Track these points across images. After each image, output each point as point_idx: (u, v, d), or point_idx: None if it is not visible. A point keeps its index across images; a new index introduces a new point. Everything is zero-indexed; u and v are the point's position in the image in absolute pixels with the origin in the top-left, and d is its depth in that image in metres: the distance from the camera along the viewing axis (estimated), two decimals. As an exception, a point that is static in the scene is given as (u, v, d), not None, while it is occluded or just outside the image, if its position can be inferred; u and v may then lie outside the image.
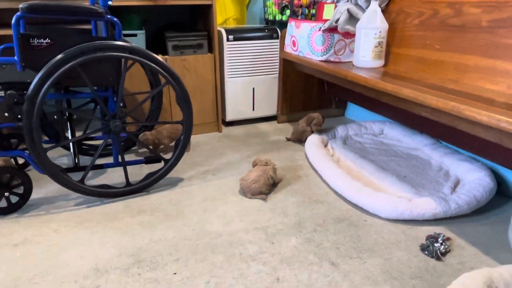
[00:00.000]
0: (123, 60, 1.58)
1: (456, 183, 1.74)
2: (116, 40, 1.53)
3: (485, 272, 0.98)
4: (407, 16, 1.92)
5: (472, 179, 1.69)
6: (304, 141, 2.28)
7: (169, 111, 2.41)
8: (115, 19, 1.52)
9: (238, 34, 2.46)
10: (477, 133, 1.32)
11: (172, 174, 1.96)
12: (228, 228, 1.51)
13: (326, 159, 1.94)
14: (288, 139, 2.42)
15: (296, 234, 1.46)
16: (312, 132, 2.31)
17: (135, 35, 2.24)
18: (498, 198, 1.71)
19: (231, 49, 2.47)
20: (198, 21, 2.60)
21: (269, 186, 1.76)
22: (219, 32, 2.45)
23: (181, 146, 1.77)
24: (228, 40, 2.44)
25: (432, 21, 1.79)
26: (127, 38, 2.16)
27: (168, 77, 1.63)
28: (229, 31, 2.45)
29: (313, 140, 2.18)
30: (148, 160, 1.84)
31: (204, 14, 2.45)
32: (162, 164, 1.81)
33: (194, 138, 2.46)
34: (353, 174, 1.88)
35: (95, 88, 1.87)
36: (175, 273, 1.25)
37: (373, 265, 1.29)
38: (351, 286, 1.19)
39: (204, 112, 2.51)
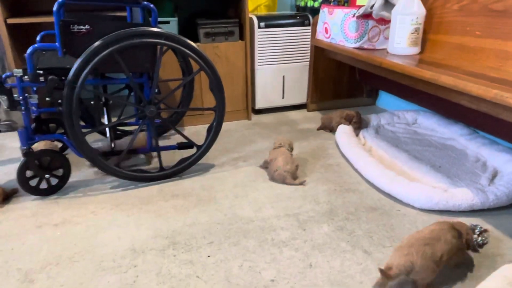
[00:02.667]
0: (158, 46, 1.61)
1: (494, 175, 1.68)
2: (151, 27, 1.55)
3: (528, 264, 0.95)
4: (446, 1, 1.86)
5: (511, 170, 1.63)
6: (335, 130, 2.26)
7: (200, 98, 2.43)
8: (151, 5, 1.54)
9: (269, 21, 2.45)
10: (520, 123, 1.28)
11: (204, 160, 1.98)
12: (260, 214, 1.52)
13: (358, 148, 1.92)
14: (320, 129, 2.40)
15: (328, 222, 1.46)
16: (344, 121, 2.28)
17: (168, 22, 2.27)
18: (539, 191, 1.65)
19: (262, 36, 2.45)
20: (229, 8, 2.59)
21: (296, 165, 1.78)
22: (251, 19, 2.44)
23: (213, 132, 1.79)
24: (259, 27, 2.43)
25: (473, 6, 1.72)
26: (160, 25, 2.19)
27: (202, 63, 1.64)
28: (260, 18, 2.44)
29: (344, 129, 2.15)
30: (181, 146, 1.87)
31: (235, 1, 2.45)
32: (194, 150, 1.84)
33: (224, 125, 2.48)
34: (386, 164, 1.85)
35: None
36: (209, 256, 1.28)
37: (407, 254, 1.27)
38: (384, 275, 1.18)
39: (234, 99, 2.52)
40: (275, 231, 1.40)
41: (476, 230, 1.32)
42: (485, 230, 1.35)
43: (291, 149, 1.87)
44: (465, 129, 2.08)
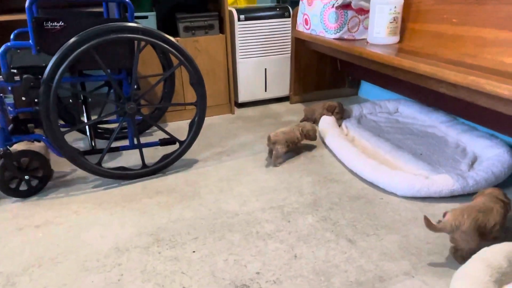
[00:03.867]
0: (136, 42, 1.58)
1: (474, 160, 1.72)
2: (128, 22, 1.53)
3: (506, 246, 0.97)
4: (423, -11, 1.87)
5: (490, 155, 1.66)
6: (318, 121, 2.27)
7: (182, 93, 2.41)
8: (127, 0, 1.51)
9: (249, 14, 2.43)
10: (497, 108, 1.30)
11: (187, 155, 1.97)
12: (244, 207, 1.52)
13: (341, 138, 1.93)
14: (303, 120, 2.41)
15: (312, 213, 1.47)
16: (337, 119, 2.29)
17: (146, 17, 2.23)
18: (517, 175, 1.69)
19: (242, 29, 2.44)
20: (209, 2, 2.57)
21: (293, 143, 1.87)
22: (230, 12, 2.42)
23: (196, 127, 1.78)
24: (239, 20, 2.41)
25: (450, -6, 1.74)
26: (138, 21, 2.15)
27: (181, 57, 1.63)
28: (240, 11, 2.42)
29: (327, 120, 2.16)
30: (163, 142, 1.85)
31: (214, -6, 2.42)
32: (177, 146, 1.82)
33: (207, 120, 2.47)
34: (369, 153, 1.87)
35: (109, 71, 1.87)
36: (194, 251, 1.27)
37: (390, 242, 1.29)
38: (368, 262, 1.19)
39: (216, 94, 2.51)
40: (260, 224, 1.41)
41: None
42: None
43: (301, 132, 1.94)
44: (445, 117, 2.11)
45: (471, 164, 1.68)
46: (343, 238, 1.31)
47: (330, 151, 1.97)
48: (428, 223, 1.14)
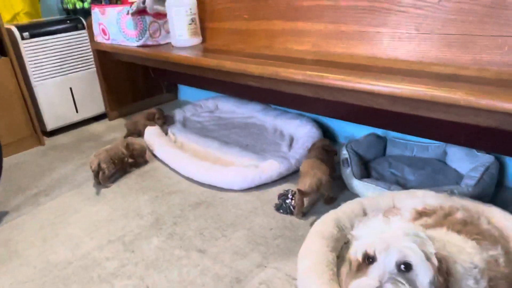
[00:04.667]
0: None
1: (291, 140, 1.90)
2: None
3: (332, 215, 1.09)
4: (212, -11, 1.94)
5: (302, 133, 1.86)
6: (143, 133, 2.15)
7: (-34, 135, 1.95)
8: None
9: (34, 30, 2.12)
10: (296, 91, 1.44)
11: (-9, 210, 1.61)
12: (78, 251, 1.32)
13: (170, 147, 1.88)
14: (127, 136, 2.25)
15: (156, 234, 1.38)
16: (149, 121, 2.19)
17: None
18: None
19: (30, 48, 2.11)
20: (-23, 21, 2.13)
21: (120, 160, 1.75)
22: (9, 31, 2.06)
23: (-7, 175, 1.46)
24: (23, 38, 2.07)
25: (236, -8, 1.84)
26: None
27: None
28: (22, 28, 2.09)
29: (152, 131, 2.07)
30: (-50, 204, 1.46)
31: (-18, 12, 2.02)
32: (-28, 203, 1.46)
33: (10, 160, 2.07)
34: (200, 155, 1.86)
35: None
36: (22, 327, 1.04)
37: (238, 239, 1.31)
38: (222, 267, 1.19)
39: (14, 127, 2.12)
40: (100, 265, 1.25)
41: (289, 195, 1.45)
42: (296, 193, 1.50)
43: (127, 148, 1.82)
44: (259, 106, 2.27)
45: (290, 145, 1.85)
46: (193, 250, 1.28)
47: (162, 162, 1.90)
48: (302, 193, 1.34)
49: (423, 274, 0.70)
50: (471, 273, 0.76)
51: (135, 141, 1.86)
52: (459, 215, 0.94)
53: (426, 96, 1.00)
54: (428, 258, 0.71)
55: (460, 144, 1.44)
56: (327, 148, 1.59)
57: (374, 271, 0.71)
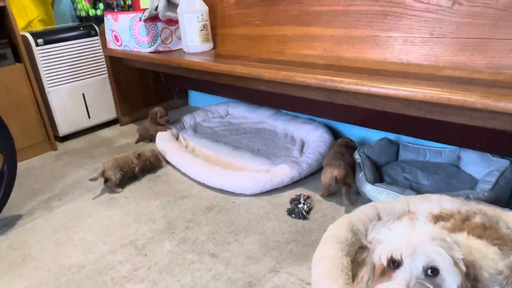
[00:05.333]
0: None
1: (302, 145, 1.89)
2: None
3: (346, 219, 1.08)
4: (223, -4, 1.95)
5: (314, 138, 1.86)
6: (154, 139, 2.17)
7: (-18, 141, 1.98)
8: None
9: (48, 37, 2.15)
10: (309, 96, 1.44)
11: (5, 213, 1.63)
12: (91, 255, 1.33)
13: (181, 152, 1.88)
14: (138, 141, 2.27)
15: (169, 238, 1.38)
16: (162, 126, 2.20)
17: None
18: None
19: (44, 55, 2.15)
20: (-7, 28, 2.17)
21: (120, 171, 1.72)
22: (24, 37, 2.10)
23: (7, 178, 1.48)
24: (37, 45, 2.11)
25: (247, -1, 1.86)
26: None
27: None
28: (36, 35, 2.12)
29: (163, 136, 2.08)
30: (-34, 207, 1.49)
31: (-2, 19, 2.06)
32: (-13, 206, 1.48)
33: (22, 165, 2.10)
34: (211, 160, 1.87)
35: None
36: (37, 330, 1.05)
37: (251, 243, 1.30)
38: (235, 272, 1.18)
39: (28, 132, 2.15)
40: (113, 269, 1.25)
41: (301, 200, 1.45)
42: (308, 197, 1.50)
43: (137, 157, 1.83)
44: (270, 111, 2.28)
45: (301, 149, 1.84)
46: (206, 254, 1.27)
47: (174, 167, 1.90)
48: (336, 180, 1.41)
49: (451, 279, 0.69)
50: (496, 279, 0.75)
51: (146, 149, 1.86)
52: (477, 219, 0.92)
53: (442, 99, 0.99)
54: (456, 263, 0.70)
55: (474, 148, 1.43)
56: (347, 143, 1.66)
57: (401, 275, 0.70)
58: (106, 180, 1.71)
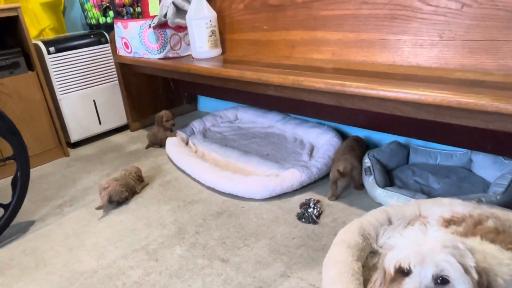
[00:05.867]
0: None
1: (312, 149, 1.89)
2: None
3: (356, 224, 1.08)
4: (231, 2, 1.97)
5: (323, 142, 1.86)
6: (164, 144, 2.18)
7: (-5, 147, 2.02)
8: None
9: (59, 45, 2.19)
10: (318, 100, 1.44)
11: (19, 219, 1.65)
12: (103, 260, 1.34)
13: (191, 157, 1.90)
14: (148, 147, 2.29)
15: (179, 243, 1.39)
16: (167, 130, 2.22)
17: None
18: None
19: (56, 62, 2.18)
20: (7, 37, 2.21)
21: (128, 190, 1.70)
22: (36, 46, 2.14)
23: (21, 184, 1.50)
24: (49, 53, 2.15)
25: (255, 4, 1.87)
26: None
27: (-21, 109, 1.34)
28: (48, 43, 2.16)
29: (173, 141, 2.10)
30: (-20, 213, 1.51)
31: (12, 29, 2.10)
32: (1, 211, 1.51)
33: (36, 171, 2.13)
34: (221, 165, 1.87)
35: None
36: (50, 335, 1.06)
37: (261, 248, 1.30)
38: (246, 277, 1.18)
39: (41, 138, 2.18)
40: (124, 274, 1.26)
41: (311, 204, 1.45)
42: (318, 201, 1.49)
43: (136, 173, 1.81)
44: (279, 115, 2.28)
45: (310, 154, 1.84)
46: (216, 259, 1.28)
47: (183, 172, 1.92)
48: (341, 174, 1.48)
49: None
50: (512, 287, 0.74)
51: (130, 166, 1.83)
52: (490, 223, 0.91)
53: (452, 102, 0.99)
54: (467, 271, 0.69)
55: (486, 151, 1.41)
56: (358, 139, 1.72)
57: (410, 283, 0.70)
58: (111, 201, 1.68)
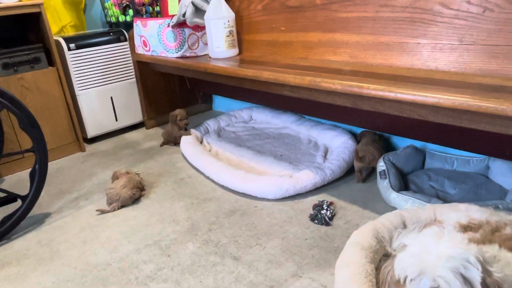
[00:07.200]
0: None
1: (326, 151, 1.88)
2: None
3: (370, 226, 1.07)
4: (250, 3, 1.98)
5: (338, 144, 1.85)
6: (179, 142, 2.20)
7: (15, 140, 2.06)
8: None
9: (80, 42, 2.23)
10: (334, 101, 1.43)
11: (35, 211, 1.69)
12: (116, 254, 1.36)
13: (205, 155, 1.91)
14: (163, 144, 2.31)
15: (192, 239, 1.40)
16: (181, 129, 2.23)
17: None
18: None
19: (75, 58, 2.22)
20: (29, 33, 2.27)
21: (139, 190, 1.71)
22: (57, 42, 2.18)
23: (38, 177, 1.53)
24: (69, 49, 2.19)
25: (274, 5, 1.87)
26: None
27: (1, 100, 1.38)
28: (68, 40, 2.20)
29: (188, 139, 2.11)
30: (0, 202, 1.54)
31: (34, 25, 2.15)
32: (19, 203, 1.54)
33: (53, 165, 2.17)
34: (234, 164, 1.88)
35: None
36: (64, 324, 1.07)
37: (273, 247, 1.31)
38: (257, 275, 1.18)
39: (58, 133, 2.22)
40: (137, 268, 1.27)
41: (324, 206, 1.44)
42: (331, 203, 1.49)
43: (139, 178, 1.80)
44: (293, 116, 2.28)
45: (325, 155, 1.84)
46: (228, 257, 1.28)
47: (197, 170, 1.93)
48: (364, 161, 1.62)
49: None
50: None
51: (137, 178, 1.78)
52: (508, 230, 0.90)
53: (472, 106, 0.98)
54: (472, 286, 0.68)
55: (504, 157, 1.39)
56: (377, 134, 1.81)
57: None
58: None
